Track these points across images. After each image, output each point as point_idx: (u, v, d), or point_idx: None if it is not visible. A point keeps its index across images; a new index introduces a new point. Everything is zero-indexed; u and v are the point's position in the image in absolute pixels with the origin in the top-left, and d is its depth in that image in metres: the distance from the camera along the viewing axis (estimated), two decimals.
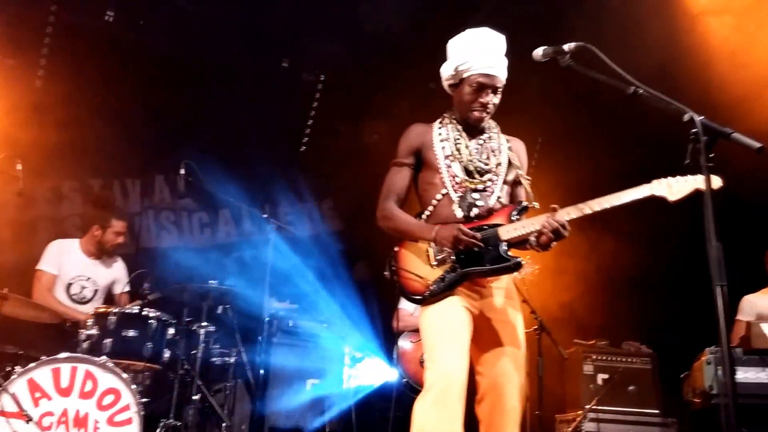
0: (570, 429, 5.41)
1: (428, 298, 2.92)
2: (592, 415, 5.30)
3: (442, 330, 2.86)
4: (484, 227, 2.94)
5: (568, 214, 2.84)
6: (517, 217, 2.97)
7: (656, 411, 5.39)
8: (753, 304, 5.06)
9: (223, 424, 4.86)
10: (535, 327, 4.79)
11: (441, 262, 2.93)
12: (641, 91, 2.56)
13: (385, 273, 3.07)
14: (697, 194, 2.68)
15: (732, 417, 2.16)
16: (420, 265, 2.98)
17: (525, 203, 3.05)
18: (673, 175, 2.78)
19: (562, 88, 6.23)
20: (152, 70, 6.58)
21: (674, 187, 2.76)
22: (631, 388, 5.49)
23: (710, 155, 2.29)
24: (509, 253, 2.91)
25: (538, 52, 2.85)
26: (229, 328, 5.16)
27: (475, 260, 2.90)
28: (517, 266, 2.91)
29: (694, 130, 2.31)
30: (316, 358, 6.03)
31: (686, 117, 2.36)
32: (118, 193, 7.05)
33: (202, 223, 7.42)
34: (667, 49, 5.81)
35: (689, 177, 2.74)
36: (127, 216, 5.56)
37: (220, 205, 7.21)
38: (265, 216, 4.88)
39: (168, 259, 6.87)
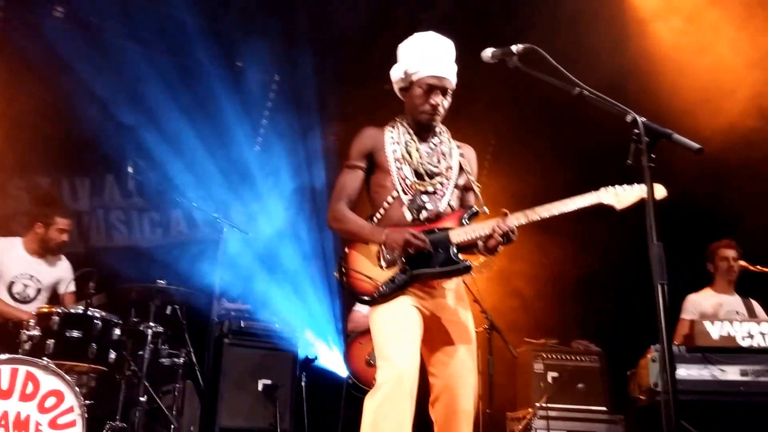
0: (520, 427, 5.47)
1: (378, 298, 2.92)
2: (541, 412, 5.36)
3: (392, 329, 2.86)
4: (435, 230, 2.96)
5: (518, 219, 2.87)
6: (468, 221, 3.00)
7: (604, 408, 5.49)
8: (696, 303, 5.18)
9: (172, 426, 4.78)
10: (486, 326, 4.81)
11: (391, 264, 2.94)
12: (586, 92, 2.60)
13: (335, 274, 3.07)
14: (643, 202, 2.73)
15: (672, 412, 2.19)
16: (370, 266, 2.98)
17: (475, 208, 3.08)
18: (621, 184, 2.84)
19: (516, 94, 6.30)
20: (102, 67, 6.46)
21: (621, 196, 2.83)
22: (579, 385, 5.58)
23: (652, 156, 2.34)
24: (459, 255, 2.94)
25: (487, 54, 2.87)
26: (178, 329, 5.07)
27: (425, 262, 2.92)
28: (467, 269, 2.94)
29: (636, 131, 2.35)
30: (269, 358, 5.99)
31: (629, 118, 2.40)
32: (66, 192, 6.91)
33: (153, 223, 7.30)
34: (618, 54, 5.92)
35: (636, 186, 2.80)
36: (72, 213, 5.42)
37: (172, 205, 7.10)
38: (215, 215, 4.79)
39: (118, 259, 6.78)
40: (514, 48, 2.81)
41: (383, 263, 2.95)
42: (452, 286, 3.06)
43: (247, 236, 7.12)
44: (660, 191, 2.76)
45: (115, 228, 7.09)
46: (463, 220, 2.99)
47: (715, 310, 5.07)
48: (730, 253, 5.18)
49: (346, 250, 3.06)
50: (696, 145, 2.27)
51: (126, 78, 6.66)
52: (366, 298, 2.96)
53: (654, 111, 2.69)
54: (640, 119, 2.38)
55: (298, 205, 7.46)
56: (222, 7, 6.79)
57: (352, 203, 3.11)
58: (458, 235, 2.94)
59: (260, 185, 7.43)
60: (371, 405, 2.72)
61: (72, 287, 5.20)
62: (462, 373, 2.93)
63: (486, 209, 3.12)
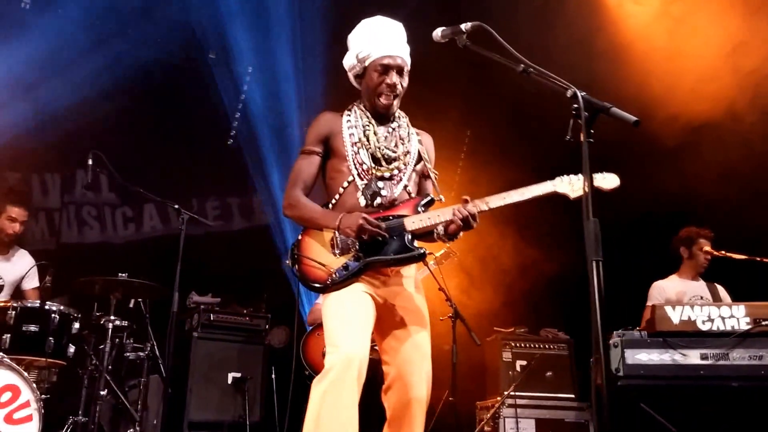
0: (488, 415, 5.46)
1: (330, 286, 2.88)
2: (510, 401, 5.36)
3: (343, 315, 2.82)
4: (390, 217, 2.93)
5: (476, 206, 2.85)
6: (423, 209, 2.97)
7: (572, 395, 5.50)
8: (662, 289, 5.17)
9: (136, 421, 4.74)
10: (450, 315, 4.79)
11: (344, 251, 2.90)
12: (531, 69, 2.58)
13: (287, 262, 3.01)
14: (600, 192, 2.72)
15: (603, 392, 2.17)
16: (323, 253, 2.93)
17: (431, 196, 3.05)
18: (576, 173, 2.81)
19: (490, 82, 6.26)
20: (72, 60, 6.40)
21: (575, 185, 2.81)
22: (548, 374, 5.58)
23: (590, 131, 2.32)
24: (414, 243, 2.91)
25: (437, 33, 2.84)
26: (143, 323, 5.02)
27: (379, 249, 2.88)
28: (421, 256, 2.91)
29: (575, 106, 2.33)
30: (239, 351, 5.96)
31: (569, 93, 2.37)
32: (37, 188, 6.86)
33: (125, 218, 7.26)
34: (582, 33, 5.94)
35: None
36: (40, 209, 5.32)
37: (141, 200, 7.04)
38: (176, 207, 4.73)
39: (90, 255, 6.72)
40: (463, 26, 2.78)
41: (337, 250, 2.91)
42: (409, 273, 3.03)
43: (221, 229, 7.17)
44: (613, 180, 2.76)
45: (87, 224, 7.04)
46: (419, 208, 2.96)
47: (679, 298, 5.06)
48: (709, 245, 5.12)
49: (299, 236, 3.02)
50: (633, 118, 2.25)
51: (96, 70, 6.60)
52: (318, 285, 2.92)
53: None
54: (581, 93, 2.36)
55: None
56: None
57: (308, 189, 3.06)
58: (413, 222, 2.90)
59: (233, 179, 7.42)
60: (318, 391, 2.69)
61: (35, 283, 5.14)
62: (414, 360, 2.90)
63: (442, 197, 3.10)
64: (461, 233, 2.91)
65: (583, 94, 2.34)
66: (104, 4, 6.57)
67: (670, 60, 5.82)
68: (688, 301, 4.86)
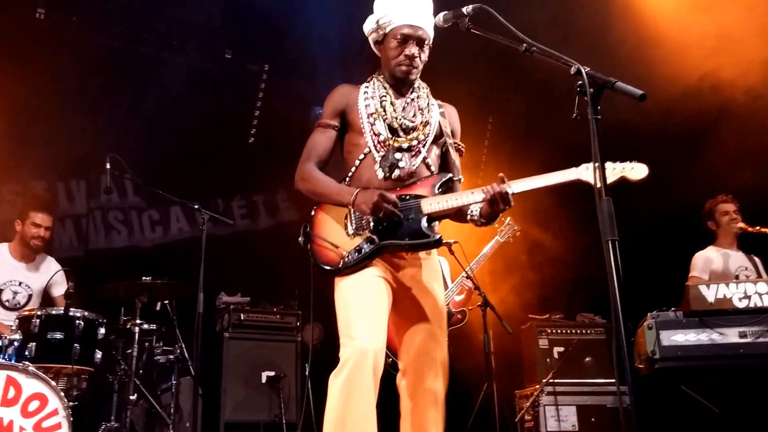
0: (528, 404, 5.35)
1: (342, 269, 2.75)
2: (549, 388, 5.26)
3: (358, 303, 2.69)
4: (406, 197, 2.79)
5: (509, 187, 2.70)
6: (440, 189, 2.83)
7: (612, 380, 5.33)
8: (706, 259, 5.02)
9: (170, 424, 4.74)
10: (479, 304, 4.68)
11: (358, 231, 2.77)
12: (534, 48, 2.50)
13: (299, 240, 2.87)
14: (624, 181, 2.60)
15: (627, 373, 2.07)
16: (337, 231, 2.80)
17: (450, 175, 2.89)
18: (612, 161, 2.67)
19: (512, 68, 6.10)
20: (90, 67, 6.42)
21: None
22: (587, 359, 5.45)
23: (597, 107, 2.22)
24: (432, 227, 2.78)
25: (440, 18, 2.79)
26: (171, 325, 5.01)
27: (394, 232, 2.75)
28: (437, 243, 2.77)
29: (579, 83, 2.25)
30: (271, 349, 5.92)
31: (573, 69, 2.33)
32: (63, 195, 6.90)
33: (152, 221, 7.27)
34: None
35: (618, 164, 2.63)
36: (51, 209, 5.31)
37: (170, 202, 7.04)
38: (196, 207, 4.70)
39: (119, 260, 6.75)
40: (465, 9, 2.75)
41: (350, 229, 2.78)
42: (426, 256, 2.91)
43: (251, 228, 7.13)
44: (642, 170, 2.62)
45: (114, 229, 7.07)
46: (436, 189, 2.82)
47: (721, 263, 4.91)
48: (730, 206, 5.06)
49: (313, 212, 2.89)
50: (639, 92, 2.15)
51: (115, 76, 6.63)
52: (328, 267, 2.79)
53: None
54: (585, 69, 2.27)
55: None
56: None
57: (323, 164, 2.93)
58: (431, 204, 2.76)
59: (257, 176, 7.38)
60: (335, 385, 2.59)
61: (63, 289, 5.14)
62: (428, 349, 2.80)
63: (461, 177, 2.96)
64: (498, 215, 2.78)
65: (587, 69, 2.25)
66: (121, 10, 6.59)
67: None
68: (736, 271, 4.78)
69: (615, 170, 2.62)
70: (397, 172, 2.82)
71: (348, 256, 2.74)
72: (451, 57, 5.16)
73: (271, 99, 7.37)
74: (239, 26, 6.93)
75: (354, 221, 2.78)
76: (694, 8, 5.50)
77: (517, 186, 2.72)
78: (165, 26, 6.72)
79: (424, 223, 2.75)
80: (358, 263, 2.74)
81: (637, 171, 2.62)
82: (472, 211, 2.83)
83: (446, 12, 2.80)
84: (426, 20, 2.91)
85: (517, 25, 2.54)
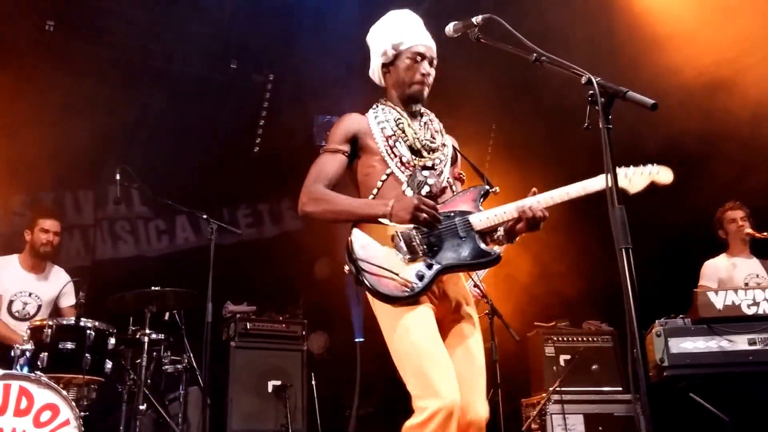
0: (535, 412, 5.35)
1: (409, 299, 2.51)
2: (556, 396, 5.25)
3: (430, 347, 2.49)
4: (451, 213, 2.66)
5: (539, 204, 2.62)
6: (482, 202, 2.73)
7: (619, 388, 5.35)
8: (715, 267, 5.02)
9: None
10: (487, 312, 4.68)
11: (413, 255, 2.55)
12: (543, 58, 2.52)
13: (346, 269, 2.64)
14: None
15: (641, 379, 2.07)
16: (388, 255, 2.57)
17: (486, 187, 2.78)
18: (628, 165, 2.62)
19: (516, 76, 6.13)
20: (98, 79, 6.47)
21: (633, 180, 2.58)
22: (594, 367, 5.44)
23: (608, 116, 2.24)
24: (489, 245, 2.65)
25: (449, 28, 2.81)
26: (179, 335, 5.03)
27: (451, 253, 2.58)
28: (498, 260, 2.61)
29: (591, 92, 2.26)
30: (277, 358, 5.94)
31: (584, 79, 2.32)
32: (70, 205, 6.93)
33: (158, 231, 7.30)
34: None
35: (644, 168, 2.58)
36: (57, 215, 5.34)
37: (176, 212, 7.07)
38: (204, 217, 4.72)
39: (126, 270, 6.77)
40: (475, 20, 2.76)
41: (404, 253, 2.55)
42: (454, 278, 2.76)
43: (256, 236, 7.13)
44: (668, 174, 2.57)
45: (121, 238, 7.10)
46: (478, 203, 2.70)
47: (729, 273, 4.90)
48: (737, 213, 5.05)
49: (350, 237, 2.62)
50: (650, 101, 2.15)
51: (121, 87, 6.67)
52: (392, 297, 2.51)
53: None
54: (596, 79, 2.28)
55: None
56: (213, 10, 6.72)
57: (332, 188, 2.73)
58: (480, 220, 2.63)
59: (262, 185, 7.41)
60: None
61: (72, 300, 5.17)
62: (470, 376, 2.60)
63: (497, 188, 2.82)
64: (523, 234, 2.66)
65: (598, 79, 2.26)
66: (127, 22, 6.63)
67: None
68: (745, 279, 4.76)
69: (643, 174, 2.56)
70: (426, 189, 2.71)
71: (414, 285, 2.52)
72: (455, 63, 5.19)
73: (276, 109, 7.40)
74: (244, 37, 6.97)
75: (404, 243, 2.57)
76: (705, 14, 5.52)
77: (554, 198, 2.63)
78: (171, 38, 6.75)
79: (479, 240, 2.63)
80: (421, 292, 2.53)
81: (663, 175, 2.57)
82: (498, 230, 2.71)
83: (456, 22, 2.82)
84: (431, 40, 2.93)
85: (524, 32, 2.56)
